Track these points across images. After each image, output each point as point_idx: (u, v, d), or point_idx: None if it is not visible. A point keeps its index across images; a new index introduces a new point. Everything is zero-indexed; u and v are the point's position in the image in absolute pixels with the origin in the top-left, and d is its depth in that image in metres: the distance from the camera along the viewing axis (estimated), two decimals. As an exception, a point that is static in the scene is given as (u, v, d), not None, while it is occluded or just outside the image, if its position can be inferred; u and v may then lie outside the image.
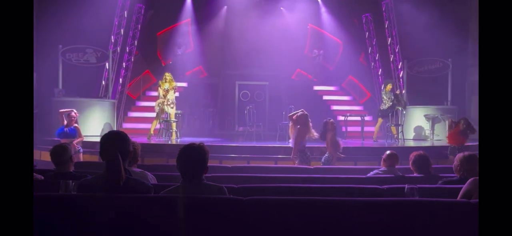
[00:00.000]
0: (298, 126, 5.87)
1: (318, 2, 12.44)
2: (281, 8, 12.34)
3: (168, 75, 9.22)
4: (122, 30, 10.73)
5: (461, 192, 2.84)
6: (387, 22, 11.54)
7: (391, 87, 9.81)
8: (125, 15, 10.78)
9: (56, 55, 9.82)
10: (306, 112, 6.07)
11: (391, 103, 9.64)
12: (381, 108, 9.82)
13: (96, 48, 10.19)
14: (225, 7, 12.26)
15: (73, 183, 2.61)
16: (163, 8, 11.72)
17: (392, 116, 9.69)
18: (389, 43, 11.53)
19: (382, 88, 10.07)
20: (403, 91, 10.84)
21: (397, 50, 11.42)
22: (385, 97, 9.74)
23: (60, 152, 3.31)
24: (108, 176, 2.35)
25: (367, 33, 12.20)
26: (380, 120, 9.88)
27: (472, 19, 10.68)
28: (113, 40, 10.55)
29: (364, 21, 12.23)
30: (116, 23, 10.62)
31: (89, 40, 10.10)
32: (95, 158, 6.97)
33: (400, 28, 11.31)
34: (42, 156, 7.62)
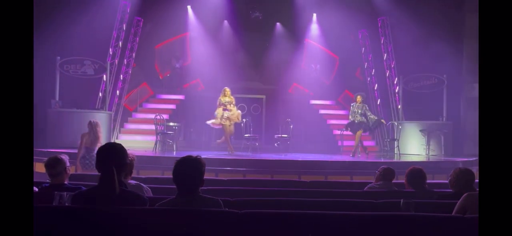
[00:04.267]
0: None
1: (314, 17, 12.58)
2: (278, 23, 12.48)
3: (227, 90, 9.25)
4: (120, 42, 10.78)
5: (456, 207, 2.85)
6: (382, 38, 11.66)
7: (360, 99, 9.47)
8: (124, 28, 10.84)
9: (54, 67, 9.84)
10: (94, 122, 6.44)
11: (360, 117, 9.31)
12: (350, 120, 9.55)
13: (94, 60, 10.20)
14: (225, 21, 12.37)
15: (68, 195, 2.59)
16: (162, 21, 11.79)
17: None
18: (385, 58, 11.63)
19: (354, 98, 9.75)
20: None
21: (392, 66, 11.52)
22: (351, 110, 9.54)
23: (54, 164, 3.29)
24: (102, 188, 2.35)
25: (363, 48, 12.32)
26: (359, 132, 9.42)
27: (467, 36, 10.81)
28: (111, 52, 10.58)
29: (360, 37, 12.36)
30: (115, 36, 10.67)
31: (87, 52, 10.12)
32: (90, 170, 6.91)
33: (396, 44, 11.43)
34: (37, 167, 7.56)
